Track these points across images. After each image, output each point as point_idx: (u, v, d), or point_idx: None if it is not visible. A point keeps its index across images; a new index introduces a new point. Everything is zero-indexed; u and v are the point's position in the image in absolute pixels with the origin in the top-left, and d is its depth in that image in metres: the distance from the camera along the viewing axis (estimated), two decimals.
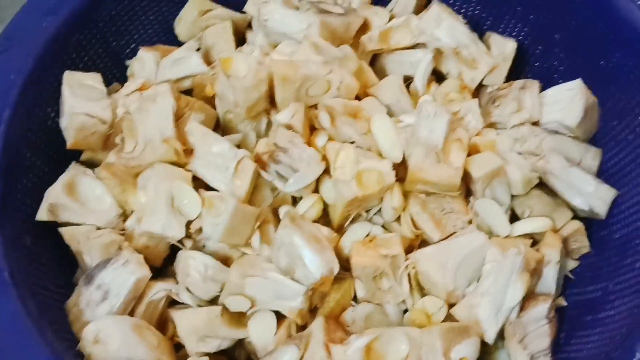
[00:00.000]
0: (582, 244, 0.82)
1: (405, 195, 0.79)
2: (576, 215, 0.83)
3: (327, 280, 0.71)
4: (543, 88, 0.88)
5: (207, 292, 0.74)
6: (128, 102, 0.78)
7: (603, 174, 0.84)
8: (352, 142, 0.79)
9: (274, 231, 0.76)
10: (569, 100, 0.84)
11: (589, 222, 0.83)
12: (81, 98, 0.79)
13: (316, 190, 0.79)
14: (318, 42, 0.84)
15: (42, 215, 0.76)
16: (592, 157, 0.84)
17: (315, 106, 0.81)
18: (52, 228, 0.78)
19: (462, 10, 0.98)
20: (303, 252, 0.71)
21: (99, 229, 0.77)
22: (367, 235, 0.78)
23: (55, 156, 0.83)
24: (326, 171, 0.77)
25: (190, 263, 0.74)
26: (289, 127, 0.77)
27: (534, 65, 0.94)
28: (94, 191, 0.79)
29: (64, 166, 0.82)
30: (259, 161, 0.77)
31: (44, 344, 0.64)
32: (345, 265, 0.76)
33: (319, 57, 0.82)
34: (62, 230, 0.77)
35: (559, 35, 0.89)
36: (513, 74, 0.95)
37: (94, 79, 0.82)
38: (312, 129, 0.82)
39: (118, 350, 0.67)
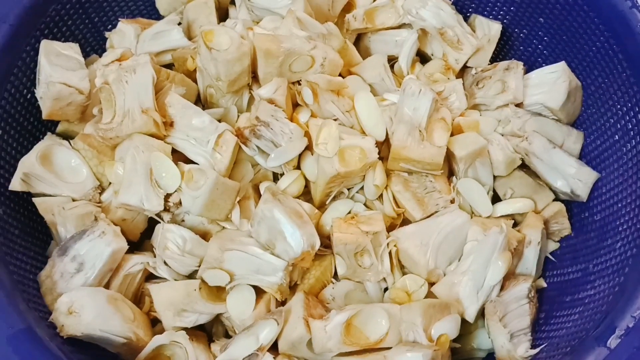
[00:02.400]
0: (563, 226, 0.82)
1: (388, 174, 0.78)
2: (557, 198, 0.83)
3: (307, 255, 0.70)
4: (527, 72, 0.88)
5: (185, 266, 0.73)
6: (106, 73, 0.76)
7: (584, 157, 0.84)
8: (335, 119, 0.78)
9: (255, 207, 0.75)
10: (553, 83, 0.83)
11: (570, 204, 0.83)
12: (58, 67, 0.77)
13: (298, 167, 0.78)
14: (302, 17, 0.82)
15: (15, 185, 0.74)
16: (574, 140, 0.84)
17: (298, 82, 0.80)
18: (26, 199, 0.77)
19: None
20: (284, 226, 0.70)
21: (74, 200, 0.75)
22: (349, 212, 0.77)
23: (31, 127, 0.81)
24: (308, 148, 0.76)
25: (168, 236, 0.72)
26: (271, 101, 0.76)
27: (518, 49, 0.94)
28: (69, 162, 0.77)
29: (39, 137, 0.80)
30: (240, 136, 0.75)
31: (16, 315, 0.62)
32: (326, 242, 0.75)
33: (303, 33, 0.81)
34: (37, 200, 0.75)
35: (543, 19, 0.88)
36: (497, 58, 0.95)
37: (72, 49, 0.80)
38: (295, 106, 0.81)
39: (92, 322, 0.65)
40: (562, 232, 0.83)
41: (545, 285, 0.81)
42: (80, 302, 0.66)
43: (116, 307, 0.68)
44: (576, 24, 0.84)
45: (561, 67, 0.84)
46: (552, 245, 0.83)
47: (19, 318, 0.62)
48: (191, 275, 0.74)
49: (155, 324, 0.73)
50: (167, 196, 0.73)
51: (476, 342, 0.76)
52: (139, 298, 0.75)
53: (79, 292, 0.67)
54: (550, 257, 0.83)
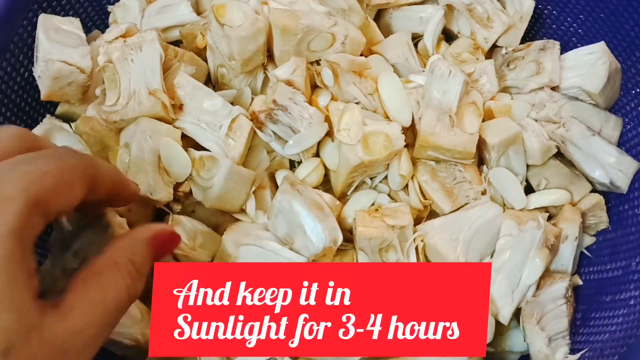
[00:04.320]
0: (600, 219, 0.76)
1: (414, 162, 0.73)
2: (594, 189, 0.77)
3: (329, 251, 0.65)
4: (560, 53, 0.82)
5: (197, 261, 0.67)
6: (110, 50, 0.70)
7: (622, 145, 0.79)
8: (357, 103, 0.73)
9: (271, 198, 0.70)
10: (592, 65, 0.78)
11: (607, 195, 0.78)
12: (58, 44, 0.71)
13: (317, 155, 0.72)
14: None
15: None
16: (612, 126, 0.78)
17: (317, 62, 0.74)
18: None
19: None
20: (304, 220, 0.64)
21: None
22: (372, 204, 0.72)
23: (28, 108, 0.76)
24: (329, 134, 0.71)
25: (178, 229, 0.67)
26: (289, 83, 0.70)
27: (550, 28, 0.88)
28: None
29: (37, 120, 0.75)
30: (255, 120, 0.70)
31: None
32: (347, 236, 0.70)
33: (322, 8, 0.75)
34: None
35: None
36: (526, 37, 0.89)
37: (72, 24, 0.74)
38: (313, 88, 0.75)
39: None
40: (599, 226, 0.77)
41: (580, 282, 0.75)
42: None
43: None
44: (616, 1, 0.78)
45: (600, 47, 0.78)
46: (588, 240, 0.78)
47: None
48: None
49: None
50: (177, 185, 0.68)
51: (508, 343, 0.71)
52: (146, 295, 0.69)
53: None
54: (586, 252, 0.77)
